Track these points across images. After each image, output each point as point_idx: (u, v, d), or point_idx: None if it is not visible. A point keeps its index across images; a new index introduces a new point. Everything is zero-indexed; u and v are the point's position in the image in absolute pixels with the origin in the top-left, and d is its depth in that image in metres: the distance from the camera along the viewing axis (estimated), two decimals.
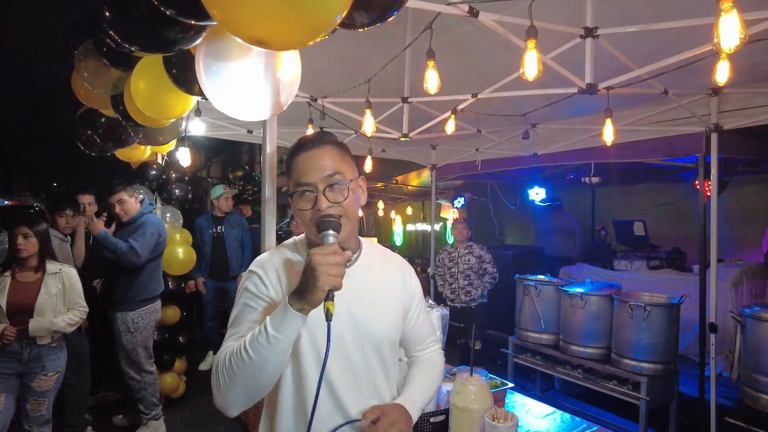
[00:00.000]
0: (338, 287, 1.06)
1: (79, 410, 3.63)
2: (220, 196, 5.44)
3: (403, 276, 1.43)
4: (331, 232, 1.14)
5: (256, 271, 1.28)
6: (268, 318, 1.10)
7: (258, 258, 1.35)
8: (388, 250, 1.50)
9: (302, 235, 1.37)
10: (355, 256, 1.34)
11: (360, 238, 1.40)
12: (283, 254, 1.32)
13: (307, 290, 1.05)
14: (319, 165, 1.21)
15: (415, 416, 1.30)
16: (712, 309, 3.53)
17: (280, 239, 3.78)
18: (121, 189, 3.60)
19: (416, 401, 1.34)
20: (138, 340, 3.59)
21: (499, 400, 2.07)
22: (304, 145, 1.25)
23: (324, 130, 1.45)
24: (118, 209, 3.61)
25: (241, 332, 1.20)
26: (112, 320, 3.63)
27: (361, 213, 1.37)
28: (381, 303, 1.32)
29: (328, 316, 1.06)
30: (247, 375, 1.11)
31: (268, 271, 1.27)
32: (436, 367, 1.51)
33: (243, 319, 1.24)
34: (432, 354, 1.53)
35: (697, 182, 4.24)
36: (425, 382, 1.43)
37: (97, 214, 4.05)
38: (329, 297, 1.06)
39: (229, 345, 1.18)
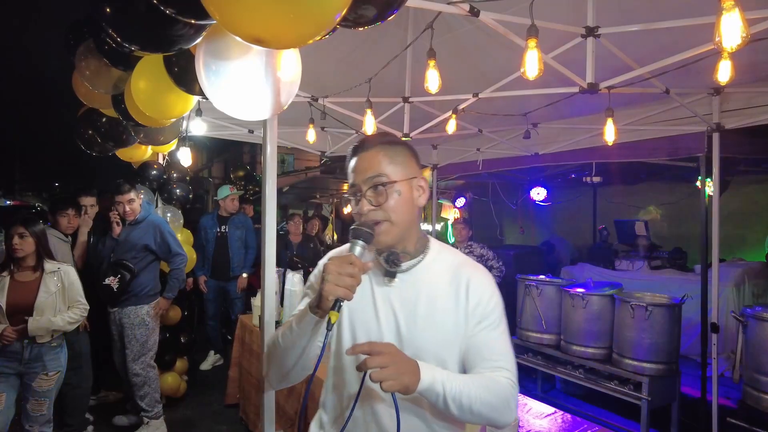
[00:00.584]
0: (347, 298, 1.06)
1: (80, 410, 3.63)
2: (227, 197, 5.45)
3: (469, 284, 1.23)
4: (359, 242, 1.14)
5: (319, 265, 1.32)
6: (298, 311, 1.20)
7: (328, 254, 1.35)
8: (468, 259, 1.33)
9: None
10: (416, 260, 1.27)
11: (433, 241, 1.33)
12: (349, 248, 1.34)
13: (318, 296, 1.08)
14: (362, 168, 1.22)
15: (426, 380, 1.07)
16: (714, 309, 3.53)
17: (280, 239, 3.77)
18: (131, 189, 3.69)
19: (439, 374, 1.10)
20: (151, 331, 3.68)
21: None
22: (355, 148, 1.27)
23: (385, 131, 1.43)
24: (127, 209, 3.67)
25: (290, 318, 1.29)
26: (120, 316, 3.65)
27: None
28: (432, 315, 1.22)
29: (328, 326, 1.06)
30: (277, 357, 1.23)
31: None
32: (500, 387, 1.16)
33: (299, 306, 1.30)
34: (499, 375, 1.19)
35: (698, 182, 4.23)
36: (469, 379, 1.15)
37: (100, 215, 4.06)
38: (335, 307, 1.06)
39: (279, 327, 1.28)
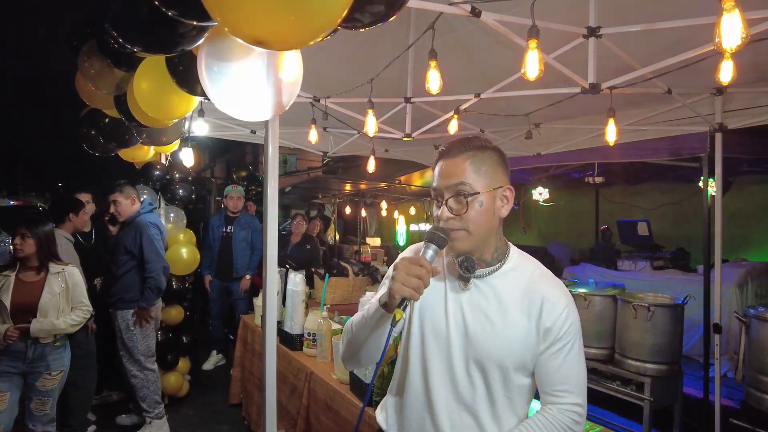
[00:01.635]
0: (413, 298, 1.10)
1: (82, 410, 3.64)
2: (227, 195, 5.46)
3: (544, 304, 1.22)
4: (432, 245, 1.18)
5: (403, 254, 1.37)
6: (376, 300, 1.23)
7: (410, 247, 1.44)
8: (548, 273, 1.31)
9: None
10: (493, 268, 1.28)
11: (514, 250, 1.33)
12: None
13: (388, 294, 1.13)
14: (446, 173, 1.23)
15: None
16: (717, 309, 3.52)
17: (282, 239, 3.77)
18: (117, 190, 3.69)
19: None
20: (138, 337, 3.62)
21: None
22: (444, 152, 1.28)
23: (475, 135, 1.42)
24: (112, 209, 3.72)
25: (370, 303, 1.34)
26: (113, 318, 3.66)
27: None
28: (501, 323, 1.23)
29: (393, 322, 1.14)
30: (350, 343, 1.34)
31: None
32: (550, 428, 1.20)
33: (378, 291, 1.36)
34: (558, 411, 1.22)
35: (701, 182, 4.22)
36: None
37: (100, 215, 4.07)
38: (402, 305, 1.10)
39: (357, 313, 1.36)
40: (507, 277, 1.27)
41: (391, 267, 1.32)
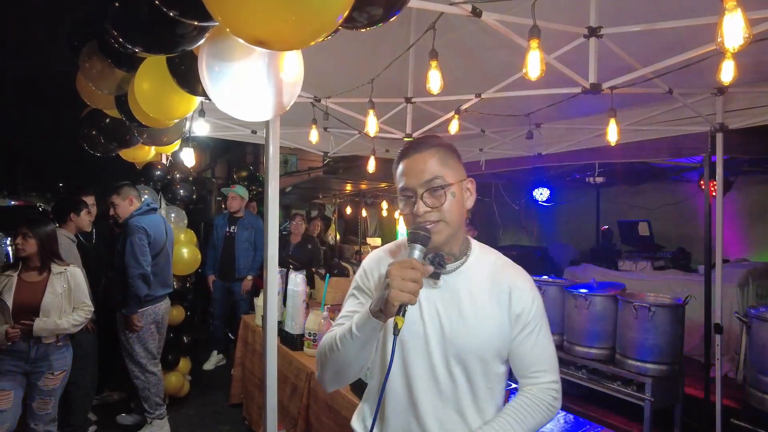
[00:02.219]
0: (411, 303, 1.09)
1: (83, 410, 3.64)
2: (226, 195, 5.46)
3: (512, 291, 1.28)
4: (417, 245, 1.16)
5: (364, 265, 1.38)
6: (356, 316, 1.20)
7: (370, 253, 1.44)
8: (508, 261, 1.37)
9: None
10: (459, 261, 1.31)
11: (475, 243, 1.37)
12: (390, 251, 1.38)
13: (381, 302, 1.10)
14: (418, 170, 1.23)
15: None
16: (718, 310, 3.51)
17: (282, 239, 3.77)
18: (114, 192, 3.68)
19: None
20: (135, 339, 3.61)
21: None
22: (405, 151, 1.29)
23: (429, 135, 1.44)
24: (112, 211, 3.73)
25: (342, 319, 1.31)
26: (117, 319, 3.66)
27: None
28: (475, 315, 1.26)
29: (395, 331, 1.09)
30: (335, 362, 1.24)
31: (372, 267, 1.35)
32: (533, 407, 1.29)
33: (346, 306, 1.35)
34: (538, 390, 1.31)
35: (702, 182, 4.21)
36: (513, 423, 1.26)
37: (102, 215, 4.07)
38: (400, 312, 1.08)
39: (332, 330, 1.29)
40: (474, 269, 1.31)
41: (357, 277, 1.35)
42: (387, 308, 1.09)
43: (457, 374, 1.26)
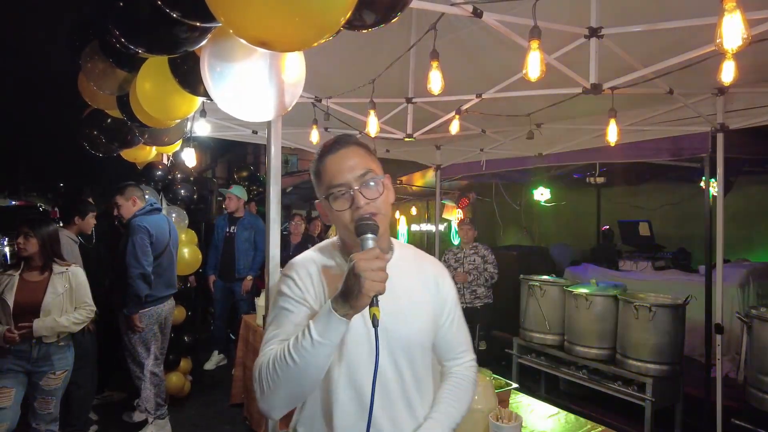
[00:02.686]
0: (382, 292, 1.06)
1: (84, 410, 3.65)
2: (225, 195, 5.48)
3: (436, 279, 1.37)
4: (369, 235, 1.13)
5: (289, 274, 1.26)
6: (310, 322, 1.09)
7: (291, 261, 1.32)
8: (422, 252, 1.44)
9: (335, 238, 1.36)
10: (388, 257, 1.30)
11: (391, 238, 1.37)
12: (317, 258, 1.30)
13: (351, 296, 1.05)
14: (349, 165, 1.21)
15: None
16: (718, 310, 3.51)
17: (283, 239, 3.79)
18: (118, 192, 3.69)
19: (446, 425, 1.29)
20: (137, 340, 3.61)
21: (503, 400, 2.07)
22: (329, 148, 1.25)
23: (346, 133, 1.44)
24: (116, 212, 3.74)
25: (281, 335, 1.18)
26: (119, 319, 3.66)
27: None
28: (410, 306, 1.28)
29: (375, 322, 1.06)
30: (292, 379, 1.11)
31: (302, 275, 1.25)
32: (465, 385, 1.39)
33: (281, 321, 1.22)
34: (464, 369, 1.41)
35: (702, 182, 4.22)
36: (454, 403, 1.34)
37: (102, 215, 4.08)
38: (374, 303, 1.06)
39: (271, 349, 1.16)
40: (401, 261, 1.32)
41: (286, 290, 1.24)
42: (359, 302, 1.05)
43: (403, 367, 1.25)
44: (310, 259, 1.30)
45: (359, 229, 1.15)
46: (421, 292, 1.32)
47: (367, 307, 1.06)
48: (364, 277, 1.03)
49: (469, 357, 1.43)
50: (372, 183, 1.21)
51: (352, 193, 1.19)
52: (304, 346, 1.07)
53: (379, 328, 1.15)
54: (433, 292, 1.35)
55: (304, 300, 1.22)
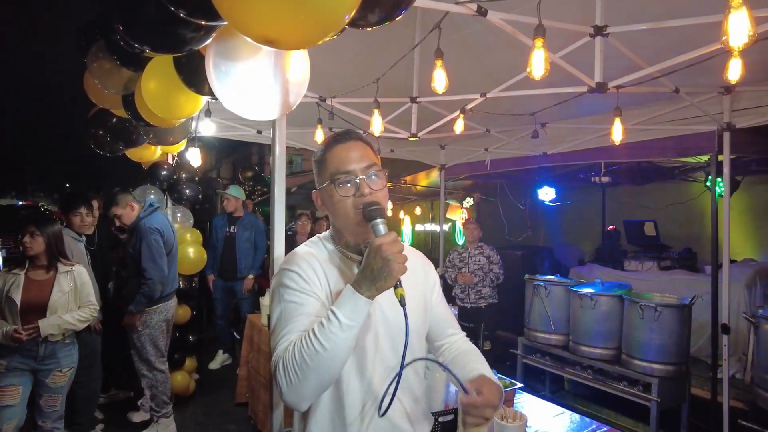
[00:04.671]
0: (405, 272, 1.10)
1: (89, 408, 3.67)
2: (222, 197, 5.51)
3: (424, 268, 1.46)
4: (380, 220, 1.16)
5: (290, 268, 1.25)
6: (334, 307, 1.10)
7: (290, 255, 1.32)
8: (405, 243, 1.47)
9: (325, 233, 1.39)
10: None
11: None
12: (313, 250, 1.32)
13: (380, 278, 1.08)
14: (357, 155, 1.25)
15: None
16: (725, 310, 3.49)
17: (288, 239, 3.79)
18: (113, 204, 3.63)
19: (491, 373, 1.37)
20: (147, 337, 3.62)
21: (508, 400, 2.07)
22: (338, 137, 1.29)
23: (349, 129, 1.46)
24: (117, 223, 3.71)
25: (298, 327, 1.16)
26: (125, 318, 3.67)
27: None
28: (411, 296, 1.27)
29: (402, 301, 1.11)
30: (323, 365, 1.09)
31: (304, 267, 1.25)
32: (477, 350, 1.47)
33: (293, 314, 1.19)
34: (465, 341, 1.50)
35: (709, 182, 4.19)
36: (484, 364, 1.40)
37: (104, 218, 4.08)
38: (398, 284, 1.11)
39: (290, 340, 1.14)
40: None
41: (290, 283, 1.22)
42: (387, 283, 1.09)
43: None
44: (307, 251, 1.30)
45: (369, 214, 1.17)
46: (414, 281, 1.34)
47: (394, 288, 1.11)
48: (393, 260, 1.07)
49: (463, 333, 1.52)
50: (375, 176, 1.25)
51: (357, 181, 1.22)
52: (332, 331, 1.07)
53: (381, 318, 1.24)
54: (422, 280, 1.41)
55: (312, 291, 1.22)
